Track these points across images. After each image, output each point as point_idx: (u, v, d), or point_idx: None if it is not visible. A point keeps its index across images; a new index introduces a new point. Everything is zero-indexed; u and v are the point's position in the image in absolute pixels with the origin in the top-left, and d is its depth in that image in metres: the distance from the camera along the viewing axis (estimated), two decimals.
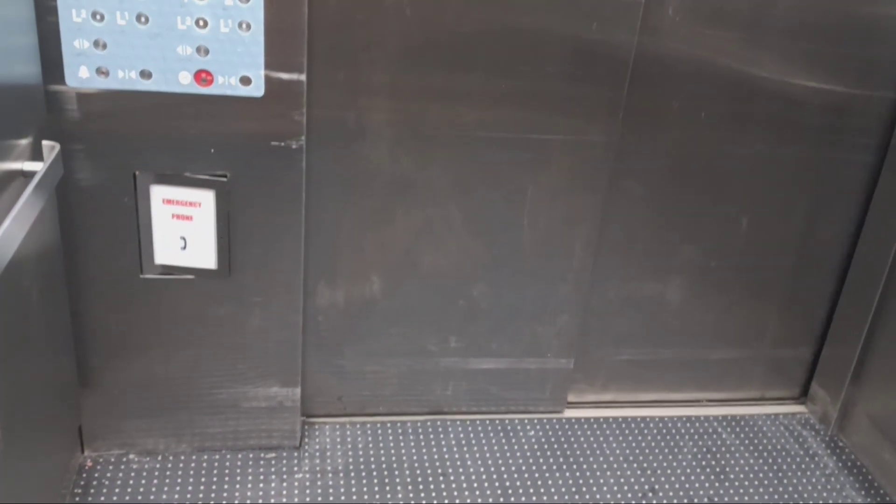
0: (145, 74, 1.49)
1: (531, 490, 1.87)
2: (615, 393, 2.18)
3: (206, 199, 1.62)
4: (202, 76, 1.51)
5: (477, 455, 1.96)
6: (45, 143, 1.39)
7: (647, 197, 1.94)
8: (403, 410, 2.05)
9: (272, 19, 1.48)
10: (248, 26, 1.48)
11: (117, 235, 1.63)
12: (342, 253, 1.82)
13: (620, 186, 1.89)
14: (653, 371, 2.16)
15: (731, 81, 1.83)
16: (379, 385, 2.00)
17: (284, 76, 1.53)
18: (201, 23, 1.47)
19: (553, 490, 1.88)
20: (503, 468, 1.92)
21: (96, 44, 1.46)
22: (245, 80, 1.52)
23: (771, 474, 2.00)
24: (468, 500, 1.82)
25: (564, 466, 1.95)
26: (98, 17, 1.44)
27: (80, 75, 1.48)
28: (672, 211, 1.97)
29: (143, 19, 1.45)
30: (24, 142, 1.35)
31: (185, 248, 1.66)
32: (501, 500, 1.84)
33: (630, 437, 2.07)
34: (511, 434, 2.04)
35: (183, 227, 1.65)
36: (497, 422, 2.07)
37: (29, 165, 1.33)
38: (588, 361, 2.11)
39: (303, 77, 1.54)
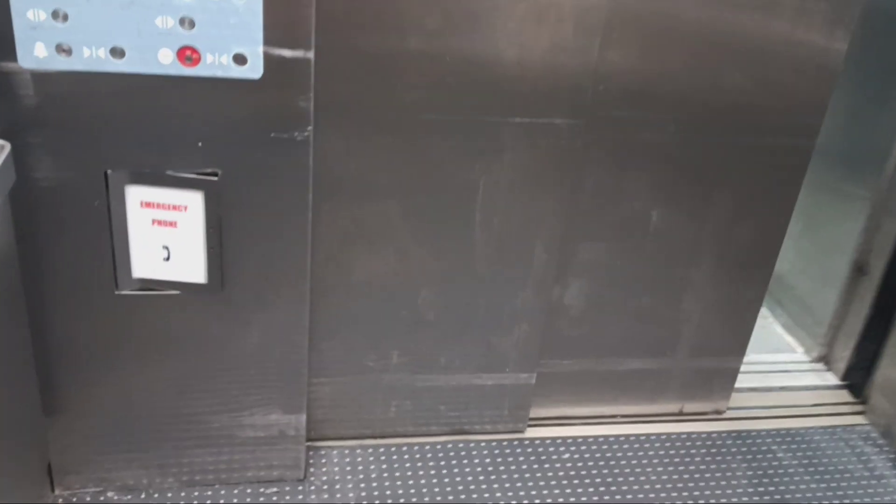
0: (117, 52, 1.21)
1: None
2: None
3: (192, 202, 1.35)
4: (187, 54, 1.23)
5: (505, 479, 1.71)
6: None
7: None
8: (339, 434, 1.77)
9: None
10: None
11: (87, 245, 1.36)
12: None
13: None
14: (554, 383, 1.87)
15: None
16: (309, 406, 1.68)
17: (287, 53, 1.26)
18: None
19: None
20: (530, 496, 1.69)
21: (55, 14, 1.18)
22: (239, 59, 1.24)
23: (836, 501, 1.77)
24: None
25: (604, 490, 1.72)
26: None
27: (35, 54, 1.19)
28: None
29: None
30: None
31: (168, 258, 1.40)
32: None
33: (667, 456, 1.84)
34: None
35: (166, 235, 1.38)
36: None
37: None
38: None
39: (310, 54, 1.27)
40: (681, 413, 1.97)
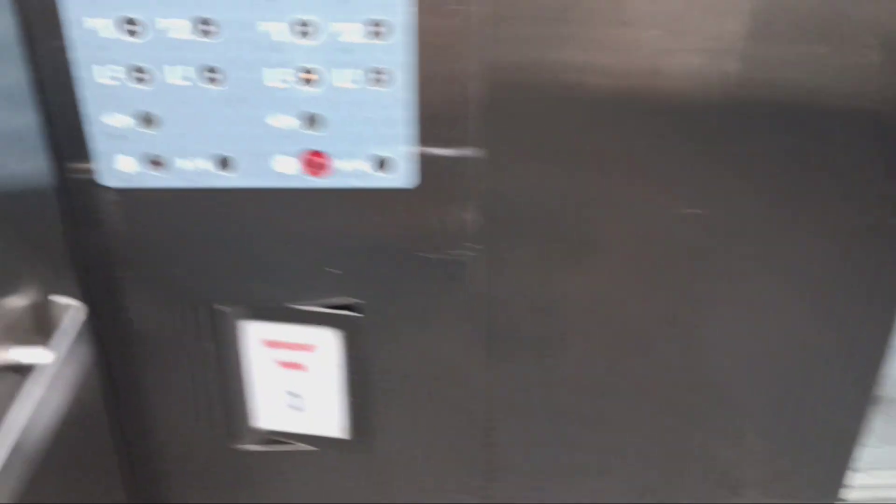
0: (222, 162, 0.91)
1: None
2: None
3: (326, 340, 1.04)
4: (313, 160, 0.91)
5: None
6: (57, 299, 0.83)
7: None
8: None
9: (429, 63, 0.86)
10: (389, 76, 0.86)
11: (197, 394, 1.07)
12: None
13: None
14: None
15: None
16: None
17: (448, 153, 0.92)
18: (308, 74, 0.86)
19: None
20: None
21: (143, 119, 0.88)
22: (383, 164, 0.91)
23: None
24: None
25: None
26: (140, 74, 0.86)
27: (119, 169, 0.91)
28: None
29: (213, 74, 0.86)
30: (19, 302, 0.79)
31: (297, 407, 1.09)
32: None
33: None
34: None
35: (293, 379, 1.07)
36: None
37: (27, 354, 0.76)
38: None
39: (476, 151, 0.92)
40: None
